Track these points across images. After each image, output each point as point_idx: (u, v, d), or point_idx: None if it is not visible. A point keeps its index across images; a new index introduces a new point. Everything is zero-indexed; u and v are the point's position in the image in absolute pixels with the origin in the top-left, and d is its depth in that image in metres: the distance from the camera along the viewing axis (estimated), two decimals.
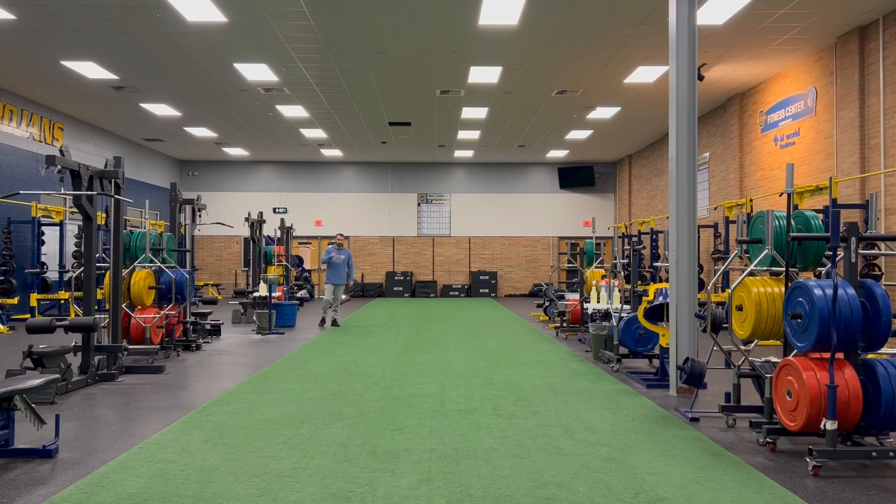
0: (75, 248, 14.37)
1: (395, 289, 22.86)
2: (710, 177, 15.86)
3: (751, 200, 12.67)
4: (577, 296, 12.13)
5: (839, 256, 4.76)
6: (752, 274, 5.24)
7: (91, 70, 12.30)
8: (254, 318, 12.70)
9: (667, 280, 7.94)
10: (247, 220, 14.73)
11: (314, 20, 9.79)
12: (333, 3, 9.16)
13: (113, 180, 7.44)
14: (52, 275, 14.90)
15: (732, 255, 5.99)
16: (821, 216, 6.51)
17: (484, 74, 12.55)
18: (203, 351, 9.30)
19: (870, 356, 4.79)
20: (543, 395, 6.32)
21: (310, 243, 23.59)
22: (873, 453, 4.02)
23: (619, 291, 8.33)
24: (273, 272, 15.70)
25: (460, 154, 21.65)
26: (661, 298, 7.12)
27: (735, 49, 11.13)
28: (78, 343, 6.86)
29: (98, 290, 10.97)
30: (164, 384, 6.84)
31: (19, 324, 12.77)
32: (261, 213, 15.67)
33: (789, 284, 4.73)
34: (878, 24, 9.69)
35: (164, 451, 4.43)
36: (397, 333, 11.58)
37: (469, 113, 15.70)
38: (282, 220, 18.31)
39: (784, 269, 4.96)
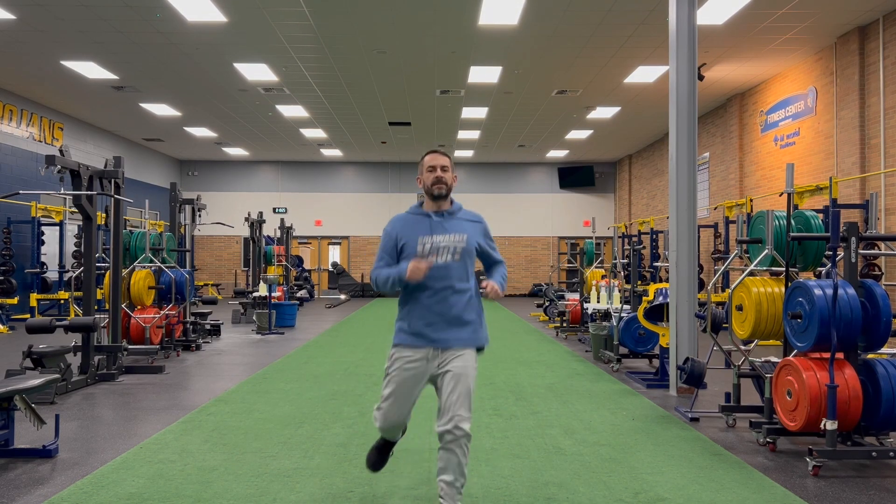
0: (75, 248, 14.37)
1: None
2: (710, 177, 15.86)
3: (751, 200, 12.67)
4: (577, 296, 12.13)
5: (839, 256, 4.76)
6: (752, 274, 5.24)
7: (91, 70, 12.30)
8: (254, 318, 12.69)
9: (667, 280, 7.94)
10: (247, 220, 14.73)
11: (314, 20, 9.79)
12: (333, 3, 9.16)
13: (113, 180, 7.44)
14: (52, 275, 14.90)
15: (732, 255, 5.99)
16: (821, 216, 6.50)
17: (484, 74, 12.55)
18: (203, 351, 9.29)
19: (870, 356, 4.79)
20: (543, 395, 6.31)
21: (310, 243, 23.59)
22: (873, 453, 4.02)
23: (619, 291, 8.33)
24: (273, 272, 15.70)
25: (460, 154, 21.65)
26: (661, 298, 7.12)
27: (735, 49, 11.13)
28: (78, 343, 6.86)
29: (98, 290, 10.97)
30: (163, 384, 6.84)
31: (19, 324, 12.77)
32: (261, 213, 15.67)
33: (789, 284, 4.73)
34: (878, 24, 9.69)
35: (164, 451, 4.43)
36: None
37: (469, 113, 15.70)
38: (282, 220, 18.31)
39: (784, 269, 4.96)
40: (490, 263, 3.38)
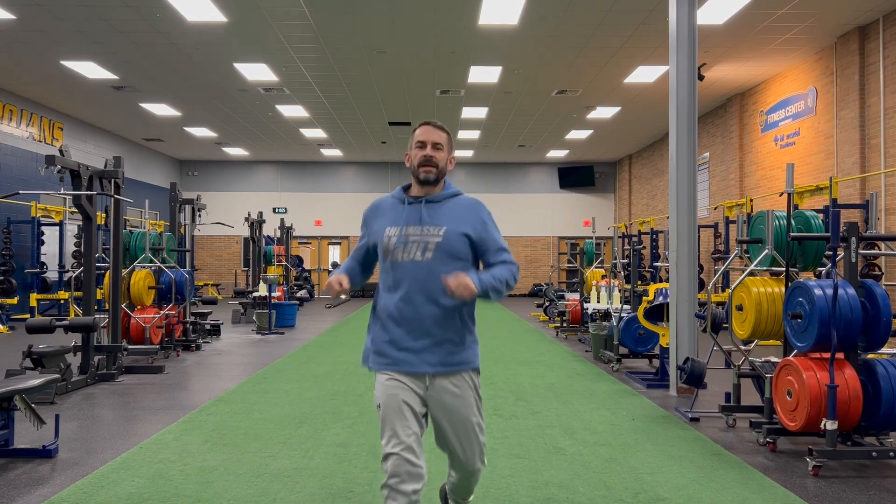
0: (75, 248, 14.37)
1: None
2: (710, 177, 15.85)
3: (751, 200, 12.67)
4: (577, 296, 12.13)
5: (839, 256, 4.76)
6: (752, 274, 5.24)
7: (91, 70, 12.30)
8: (254, 318, 12.69)
9: (667, 280, 7.93)
10: (247, 220, 14.74)
11: (314, 20, 9.78)
12: (333, 3, 9.16)
13: (113, 180, 7.44)
14: (52, 275, 14.90)
15: (732, 255, 5.99)
16: (821, 216, 6.50)
17: (484, 74, 12.55)
18: (203, 351, 9.29)
19: (870, 356, 4.79)
20: (543, 395, 6.31)
21: (310, 243, 23.59)
22: (873, 453, 4.02)
23: (619, 291, 8.33)
24: (273, 272, 15.70)
25: (460, 154, 21.65)
26: (661, 298, 7.12)
27: (735, 49, 11.13)
28: (78, 343, 6.86)
29: (98, 290, 10.97)
30: (163, 384, 6.83)
31: (19, 324, 12.77)
32: (261, 213, 15.67)
33: (789, 284, 4.73)
34: (878, 23, 9.69)
35: (164, 451, 4.43)
36: None
37: (469, 113, 15.70)
38: (282, 220, 18.31)
39: (784, 269, 4.96)
40: (489, 265, 2.60)
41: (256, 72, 12.38)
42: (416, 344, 2.50)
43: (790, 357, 4.51)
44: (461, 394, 2.56)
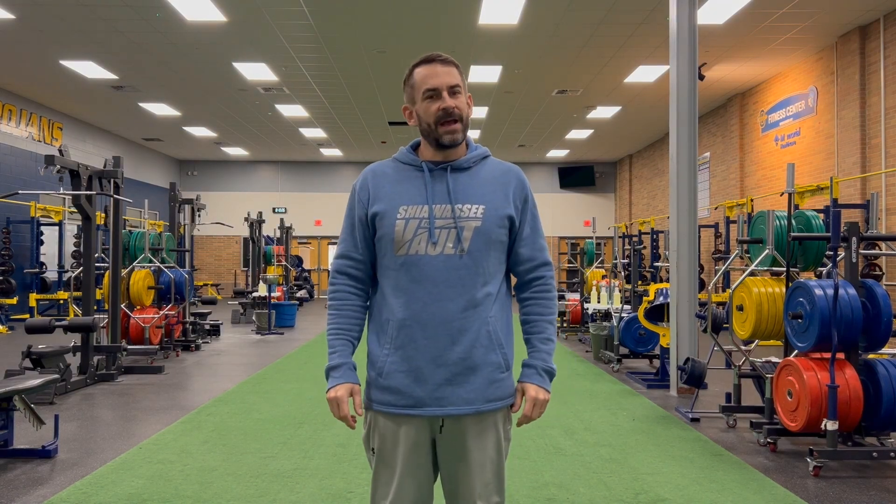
0: (74, 248, 14.37)
1: None
2: (711, 176, 15.85)
3: (751, 200, 12.66)
4: (577, 296, 12.12)
5: (840, 256, 4.75)
6: (752, 274, 5.23)
7: (90, 70, 12.29)
8: (253, 318, 12.68)
9: (667, 280, 7.93)
10: (246, 220, 14.73)
11: (314, 20, 9.78)
12: (333, 3, 9.15)
13: (112, 180, 7.44)
14: (52, 275, 14.89)
15: (733, 255, 5.98)
16: (821, 216, 6.50)
17: (484, 74, 12.54)
18: (202, 351, 9.28)
19: (871, 356, 4.78)
20: None
21: (309, 243, 23.59)
22: (874, 454, 4.01)
23: (620, 291, 8.32)
24: (272, 272, 15.69)
25: None
26: (661, 298, 7.11)
27: (735, 49, 11.12)
28: (77, 343, 6.85)
29: (97, 290, 10.96)
30: (163, 384, 6.83)
31: (18, 324, 12.76)
32: (260, 213, 15.66)
33: (790, 284, 4.72)
34: (879, 23, 9.68)
35: (164, 451, 4.42)
36: None
37: None
38: (281, 220, 18.31)
39: (785, 269, 4.95)
40: (522, 262, 1.97)
41: (256, 71, 12.37)
42: (447, 374, 1.77)
43: (791, 357, 4.50)
44: (496, 435, 1.87)
